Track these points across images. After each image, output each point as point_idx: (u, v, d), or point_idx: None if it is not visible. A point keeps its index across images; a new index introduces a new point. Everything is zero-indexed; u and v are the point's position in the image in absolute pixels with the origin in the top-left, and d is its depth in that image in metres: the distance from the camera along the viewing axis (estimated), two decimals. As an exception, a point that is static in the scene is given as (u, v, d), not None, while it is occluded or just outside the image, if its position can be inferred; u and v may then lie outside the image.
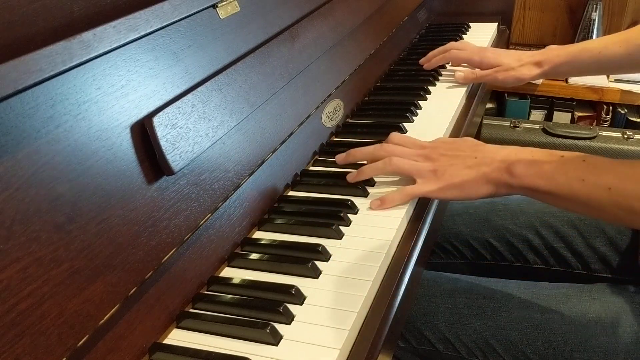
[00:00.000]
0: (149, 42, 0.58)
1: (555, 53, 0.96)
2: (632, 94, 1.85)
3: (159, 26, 0.57)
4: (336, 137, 0.90)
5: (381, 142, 0.84)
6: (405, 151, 0.72)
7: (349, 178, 0.73)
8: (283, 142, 0.76)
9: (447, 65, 1.14)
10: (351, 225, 0.67)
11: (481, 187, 0.66)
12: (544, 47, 1.00)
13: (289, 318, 0.54)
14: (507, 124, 1.85)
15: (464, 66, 1.10)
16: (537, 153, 0.65)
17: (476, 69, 1.04)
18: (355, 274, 0.59)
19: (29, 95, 0.46)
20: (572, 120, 2.00)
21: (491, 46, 1.27)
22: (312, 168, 0.82)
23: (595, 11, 1.91)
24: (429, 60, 1.10)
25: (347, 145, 0.86)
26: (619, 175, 0.58)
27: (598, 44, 0.93)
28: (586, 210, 0.62)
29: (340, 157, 0.77)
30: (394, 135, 0.76)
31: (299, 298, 0.56)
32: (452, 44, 1.09)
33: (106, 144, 0.51)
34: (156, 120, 0.55)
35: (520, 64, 0.99)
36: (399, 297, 0.58)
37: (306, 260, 0.60)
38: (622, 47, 0.90)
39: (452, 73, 1.09)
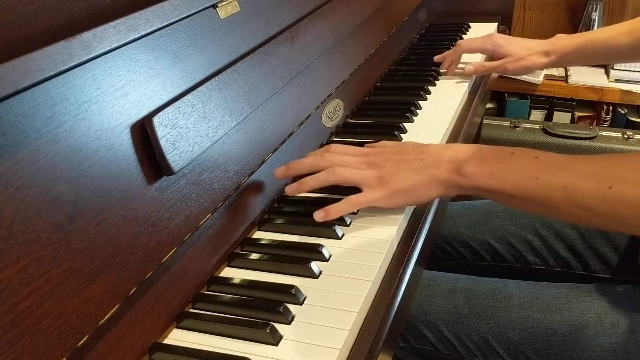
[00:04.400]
0: (149, 42, 0.58)
1: (563, 43, 0.98)
2: (632, 94, 1.85)
3: (159, 26, 0.57)
4: (336, 137, 0.90)
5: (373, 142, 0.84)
6: (348, 159, 0.68)
7: (288, 191, 0.69)
8: (283, 142, 0.76)
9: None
10: (351, 225, 0.67)
11: (431, 190, 0.64)
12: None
13: (289, 318, 0.54)
14: (507, 124, 1.85)
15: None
16: (486, 151, 0.63)
17: (485, 62, 1.05)
18: (355, 274, 0.59)
19: (29, 95, 0.46)
20: (572, 120, 2.00)
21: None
22: (312, 168, 0.82)
23: (595, 11, 1.91)
24: (448, 66, 1.09)
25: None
26: (574, 173, 0.56)
27: (605, 34, 0.94)
28: (542, 210, 0.60)
29: (279, 171, 0.71)
30: (333, 145, 0.72)
31: (299, 298, 0.56)
32: (459, 42, 1.08)
33: (106, 144, 0.51)
34: (156, 120, 0.55)
35: (529, 53, 1.00)
36: (399, 297, 0.58)
37: (306, 260, 0.60)
38: (628, 38, 0.92)
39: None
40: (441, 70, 1.10)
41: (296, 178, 0.73)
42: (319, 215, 0.65)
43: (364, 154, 0.69)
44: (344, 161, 0.68)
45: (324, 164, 0.68)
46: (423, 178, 0.64)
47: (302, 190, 0.68)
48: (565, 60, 0.99)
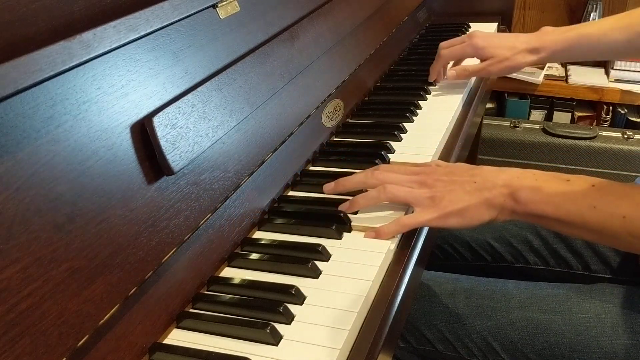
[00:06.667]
0: (149, 42, 0.58)
1: (551, 39, 0.92)
2: (632, 94, 1.85)
3: (159, 26, 0.57)
4: (336, 137, 0.90)
5: (382, 141, 0.84)
6: (399, 178, 0.67)
7: (342, 209, 0.69)
8: (283, 142, 0.76)
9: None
10: (351, 225, 0.67)
11: (483, 213, 0.63)
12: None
13: (289, 318, 0.54)
14: (507, 124, 1.85)
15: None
16: (540, 177, 0.62)
17: (467, 65, 1.02)
18: (355, 274, 0.59)
19: (29, 95, 0.46)
20: (572, 120, 2.00)
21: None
22: (312, 168, 0.82)
23: (595, 11, 1.91)
24: (435, 78, 1.05)
25: (347, 145, 0.86)
26: (633, 204, 0.55)
27: (597, 30, 0.89)
28: (597, 238, 0.59)
29: (328, 187, 0.72)
30: (383, 165, 0.72)
31: (299, 298, 0.56)
32: (441, 45, 1.03)
33: (106, 144, 0.51)
34: (156, 120, 0.55)
35: (513, 53, 0.95)
36: (399, 297, 0.58)
37: (306, 260, 0.60)
38: (622, 34, 0.87)
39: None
40: (430, 80, 1.06)
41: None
42: (370, 235, 0.65)
43: (415, 173, 0.68)
44: (394, 179, 0.67)
45: (374, 181, 0.68)
46: (475, 200, 0.63)
47: (353, 209, 0.68)
48: (555, 57, 0.94)
